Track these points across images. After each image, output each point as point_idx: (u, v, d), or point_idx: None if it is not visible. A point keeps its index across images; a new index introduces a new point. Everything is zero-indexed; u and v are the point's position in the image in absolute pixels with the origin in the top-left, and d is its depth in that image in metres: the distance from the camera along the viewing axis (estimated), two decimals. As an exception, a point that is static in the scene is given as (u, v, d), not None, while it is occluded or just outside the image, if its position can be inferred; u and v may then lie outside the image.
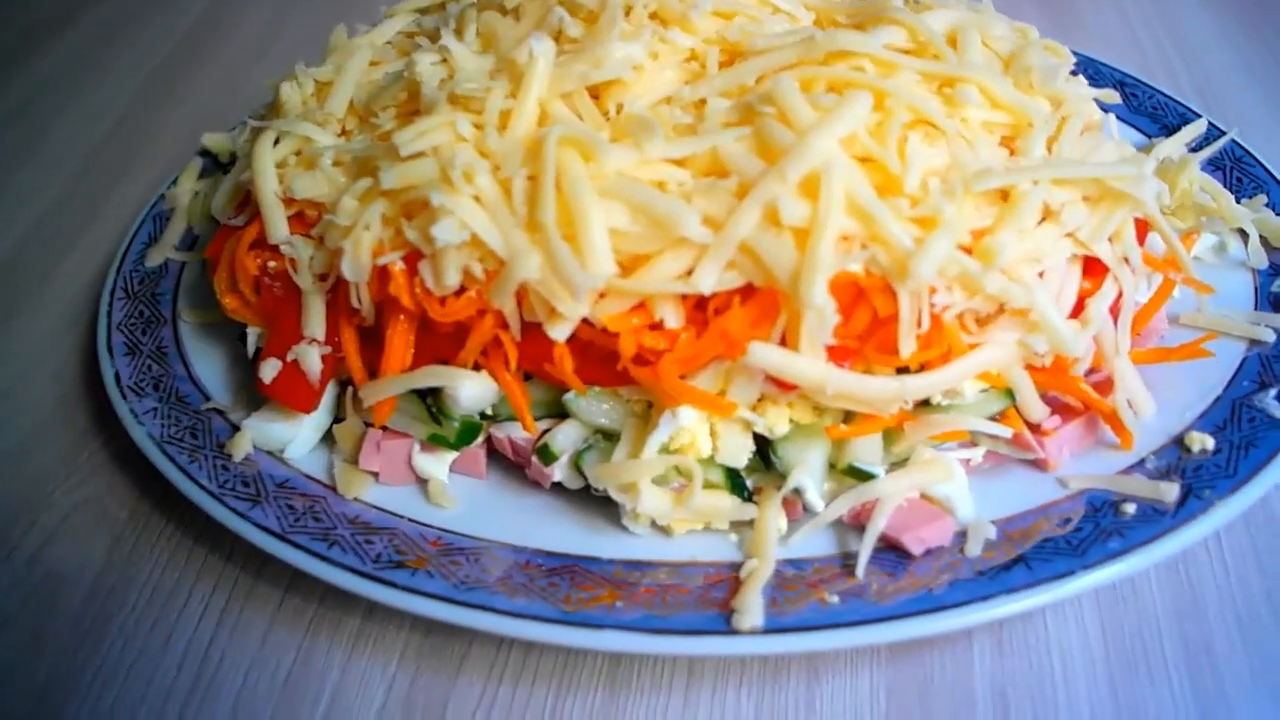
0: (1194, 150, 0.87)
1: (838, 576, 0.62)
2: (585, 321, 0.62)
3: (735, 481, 0.66)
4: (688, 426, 0.64)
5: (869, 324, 0.61)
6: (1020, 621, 0.65)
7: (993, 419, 0.66)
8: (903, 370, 0.63)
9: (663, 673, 0.64)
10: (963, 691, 0.62)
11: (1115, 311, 0.67)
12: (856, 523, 0.65)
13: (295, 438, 0.72)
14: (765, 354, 0.60)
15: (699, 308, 0.62)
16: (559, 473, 0.68)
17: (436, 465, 0.70)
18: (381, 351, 0.67)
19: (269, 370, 0.70)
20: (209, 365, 0.79)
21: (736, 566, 0.63)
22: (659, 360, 0.61)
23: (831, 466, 0.66)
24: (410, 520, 0.68)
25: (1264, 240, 0.80)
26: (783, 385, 0.62)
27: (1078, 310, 0.66)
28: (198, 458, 0.70)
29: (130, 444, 0.73)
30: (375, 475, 0.71)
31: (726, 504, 0.65)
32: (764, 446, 0.65)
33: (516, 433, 0.69)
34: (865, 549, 0.62)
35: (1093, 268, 0.67)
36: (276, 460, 0.72)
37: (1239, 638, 0.63)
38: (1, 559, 0.72)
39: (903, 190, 0.62)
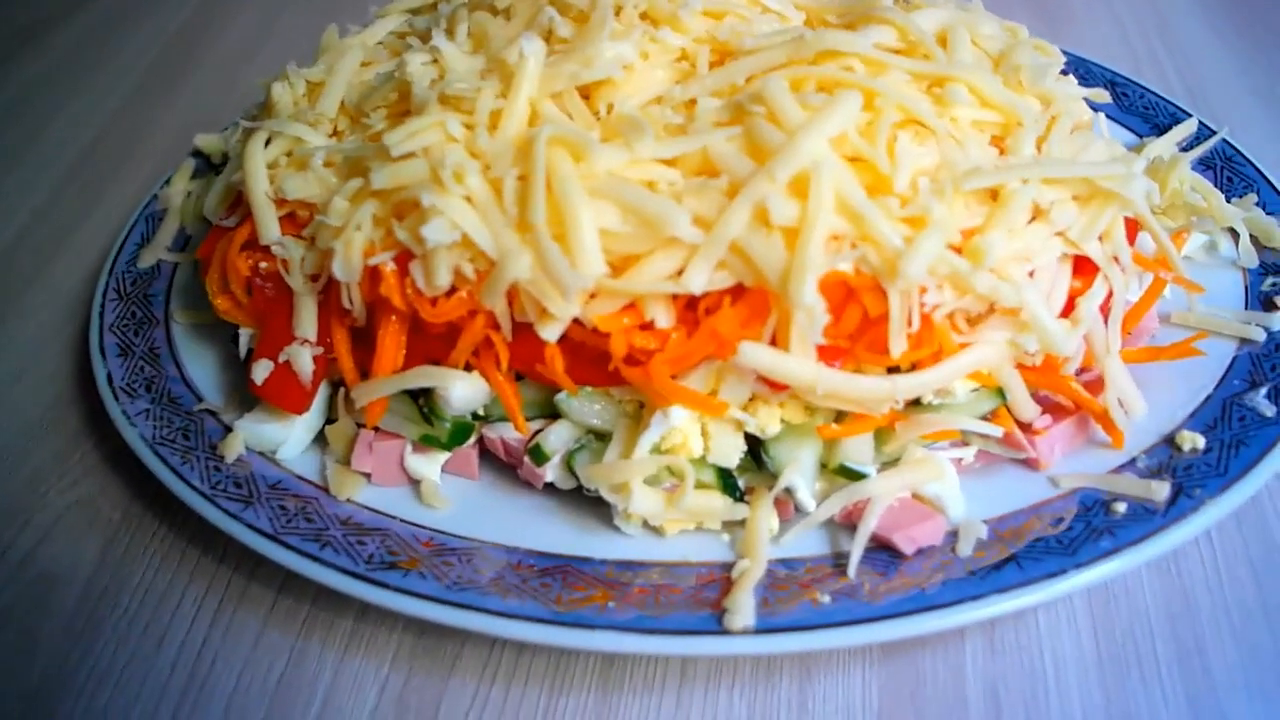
0: (1185, 149, 0.87)
1: (829, 576, 0.62)
2: (576, 322, 0.62)
3: (727, 481, 0.66)
4: (679, 426, 0.64)
5: (859, 323, 0.61)
6: (1012, 621, 0.65)
7: (984, 418, 0.66)
8: (893, 370, 0.63)
9: (655, 673, 0.64)
10: (955, 691, 0.62)
11: (1106, 310, 0.67)
12: (848, 522, 0.65)
13: (287, 439, 0.72)
14: (756, 354, 0.60)
15: (690, 308, 0.62)
16: (551, 473, 0.68)
17: (429, 466, 0.70)
18: (373, 352, 0.67)
19: (261, 371, 0.70)
20: (201, 366, 0.79)
21: (728, 566, 0.63)
22: (650, 360, 0.61)
23: (823, 466, 0.66)
24: (402, 521, 0.68)
25: (1254, 239, 0.80)
26: (774, 385, 0.62)
27: (1068, 309, 0.66)
28: (190, 459, 0.70)
29: (123, 445, 0.73)
30: (367, 476, 0.71)
31: (718, 504, 0.65)
32: (755, 446, 0.65)
33: (508, 433, 0.69)
34: (857, 549, 0.62)
35: (1083, 267, 0.67)
36: (269, 461, 0.72)
37: (1230, 637, 0.64)
38: (-6, 561, 0.72)
39: (892, 190, 0.62)
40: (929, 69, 0.69)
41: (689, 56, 0.73)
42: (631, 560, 0.65)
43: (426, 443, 0.69)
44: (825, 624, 0.58)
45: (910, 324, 0.61)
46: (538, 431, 0.68)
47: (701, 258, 0.60)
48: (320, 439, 0.73)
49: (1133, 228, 0.70)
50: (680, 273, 0.60)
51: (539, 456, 0.67)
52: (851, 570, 0.62)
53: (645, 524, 0.66)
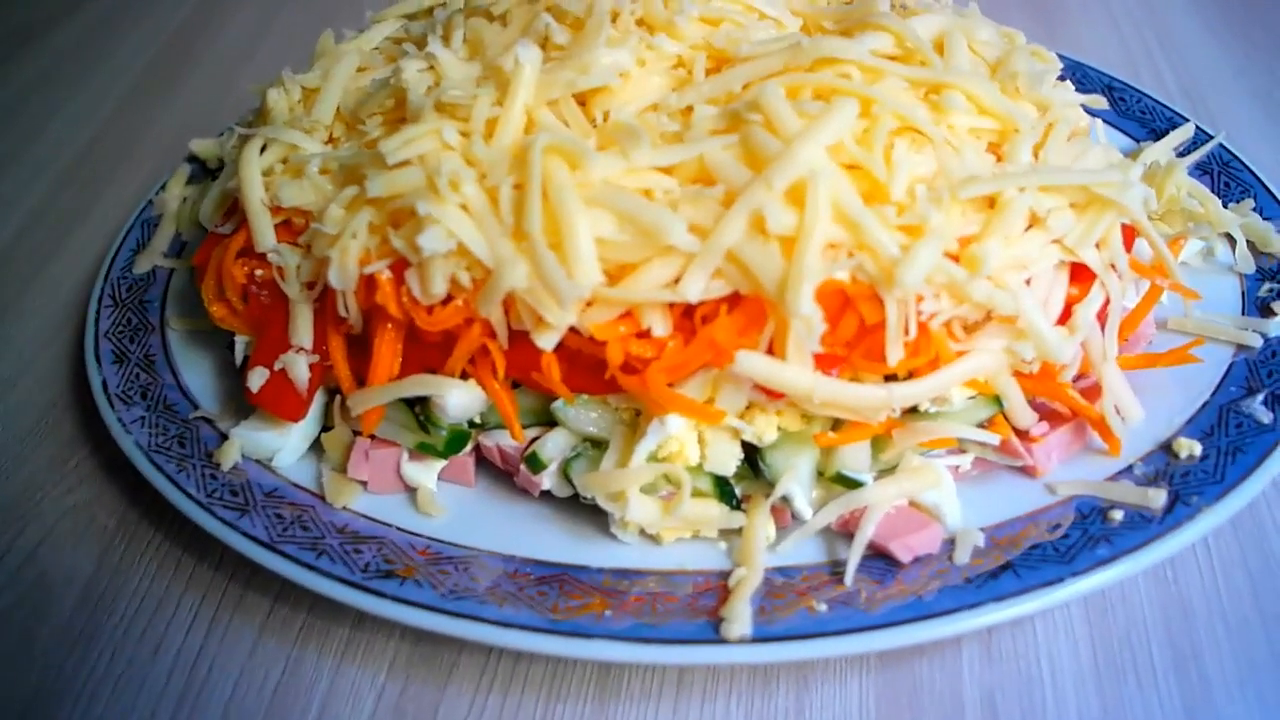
0: (1182, 154, 0.87)
1: (826, 584, 0.62)
2: (573, 330, 0.61)
3: (724, 489, 0.66)
4: (676, 434, 0.64)
5: (856, 332, 0.61)
6: (1009, 629, 0.65)
7: (981, 426, 0.66)
8: (890, 378, 0.63)
9: (652, 682, 0.64)
10: (952, 699, 0.62)
11: (1102, 317, 0.67)
12: (845, 530, 0.65)
13: (283, 446, 0.72)
14: (752, 362, 0.60)
15: (686, 316, 0.62)
16: (547, 481, 0.68)
17: (425, 474, 0.70)
18: (369, 360, 0.67)
19: (257, 379, 0.70)
20: (197, 373, 0.79)
21: (725, 574, 0.63)
22: (647, 368, 0.61)
23: (820, 474, 0.66)
24: (399, 529, 0.68)
25: (1251, 245, 0.80)
26: (770, 393, 0.62)
27: (1065, 317, 0.66)
28: (186, 466, 0.70)
29: (118, 452, 0.72)
30: (364, 484, 0.71)
31: (715, 512, 0.65)
32: (752, 454, 0.65)
33: (505, 441, 0.69)
34: (854, 556, 0.62)
35: (1080, 274, 0.67)
36: (265, 469, 0.72)
37: (1227, 644, 0.64)
38: (-11, 568, 0.72)
39: (889, 198, 0.62)
40: (926, 76, 0.69)
41: (685, 63, 0.73)
42: (628, 568, 0.65)
43: (423, 450, 0.69)
44: (822, 632, 0.58)
45: (907, 332, 0.61)
46: (534, 439, 0.68)
47: (698, 266, 0.60)
48: (316, 447, 0.73)
49: (1130, 234, 0.70)
50: (677, 281, 0.60)
51: (535, 464, 0.67)
52: (848, 578, 0.62)
53: (642, 532, 0.66)
